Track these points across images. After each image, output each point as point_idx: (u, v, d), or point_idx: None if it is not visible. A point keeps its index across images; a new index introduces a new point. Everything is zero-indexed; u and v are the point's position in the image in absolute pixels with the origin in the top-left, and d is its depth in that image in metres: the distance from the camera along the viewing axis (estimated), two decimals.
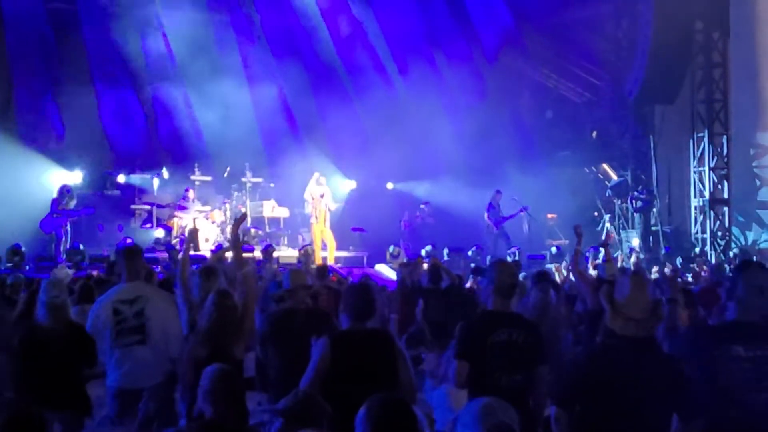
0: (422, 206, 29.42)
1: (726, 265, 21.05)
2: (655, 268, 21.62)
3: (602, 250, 13.67)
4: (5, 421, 5.34)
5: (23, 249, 21.88)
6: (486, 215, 26.36)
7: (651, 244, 27.11)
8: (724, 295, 6.42)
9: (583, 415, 5.67)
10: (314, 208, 24.74)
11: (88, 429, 8.81)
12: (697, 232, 27.89)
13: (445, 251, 25.31)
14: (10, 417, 5.39)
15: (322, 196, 24.77)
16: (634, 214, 28.13)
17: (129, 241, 23.55)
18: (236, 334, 7.85)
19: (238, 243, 9.43)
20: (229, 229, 25.62)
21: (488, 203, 26.42)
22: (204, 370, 6.35)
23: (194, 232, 9.79)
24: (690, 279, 19.57)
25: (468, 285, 16.48)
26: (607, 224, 29.14)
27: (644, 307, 5.73)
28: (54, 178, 25.49)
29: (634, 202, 27.54)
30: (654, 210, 28.16)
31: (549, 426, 6.07)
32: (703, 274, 20.37)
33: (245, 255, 9.71)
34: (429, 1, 29.86)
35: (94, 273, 19.19)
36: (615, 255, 26.52)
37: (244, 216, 9.87)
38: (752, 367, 5.74)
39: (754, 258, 23.83)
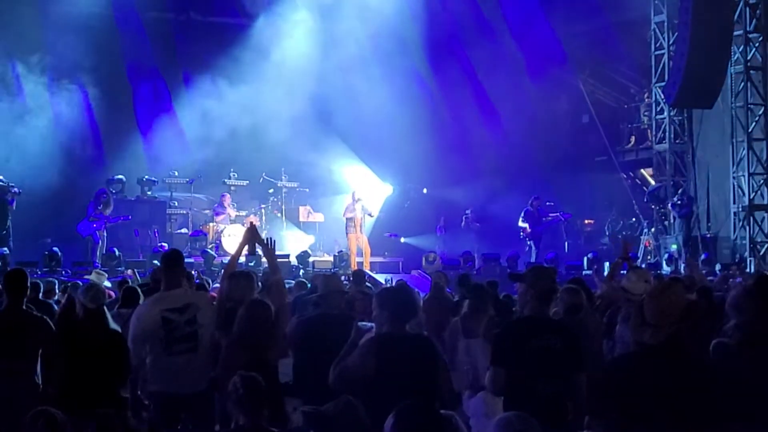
0: (467, 212, 29.40)
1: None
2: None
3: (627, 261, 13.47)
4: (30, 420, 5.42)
5: (59, 254, 21.95)
6: (520, 220, 26.22)
7: (690, 251, 26.83)
8: None
9: (619, 424, 5.58)
10: (350, 215, 24.78)
11: None
12: (736, 239, 27.61)
13: (480, 257, 25.28)
14: (34, 415, 5.46)
15: (358, 201, 24.80)
16: (673, 220, 27.84)
17: (165, 246, 23.63)
18: (270, 341, 7.83)
19: (269, 251, 9.35)
20: (264, 234, 25.67)
21: (525, 209, 26.27)
22: (232, 379, 6.35)
23: (253, 231, 9.62)
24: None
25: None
26: (645, 230, 28.91)
27: (674, 313, 5.63)
28: (90, 183, 25.63)
29: (676, 207, 27.23)
30: (694, 216, 27.89)
31: None
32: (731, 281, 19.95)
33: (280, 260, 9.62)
34: (466, 5, 29.78)
35: (129, 273, 19.30)
36: (653, 261, 26.37)
37: (253, 227, 9.70)
38: None
39: None
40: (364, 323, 7.44)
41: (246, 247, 9.40)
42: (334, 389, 6.80)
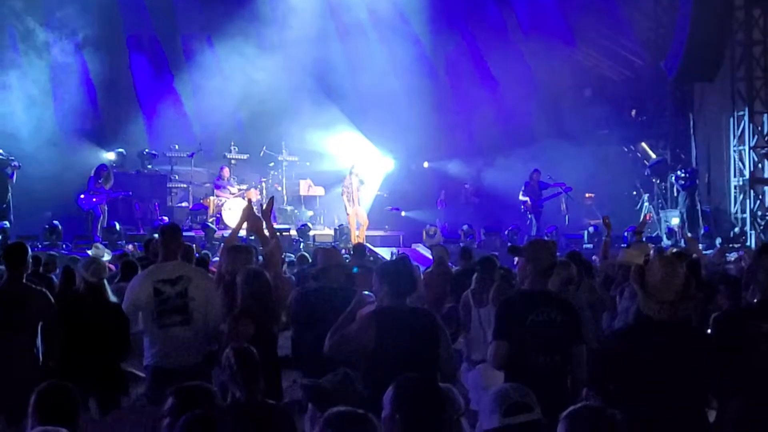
0: (466, 186, 29.45)
1: None
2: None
3: (637, 236, 13.57)
4: (38, 394, 5.39)
5: (60, 227, 21.97)
6: (521, 194, 26.21)
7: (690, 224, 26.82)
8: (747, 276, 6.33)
9: (618, 397, 5.59)
10: (348, 191, 24.76)
11: (124, 406, 8.83)
12: (736, 212, 27.58)
13: (482, 231, 25.28)
14: (42, 389, 5.43)
15: (354, 175, 24.79)
16: (675, 193, 27.79)
17: (165, 219, 23.65)
18: (272, 312, 7.85)
19: (265, 223, 9.39)
20: (265, 206, 25.63)
21: (525, 182, 26.27)
22: (225, 351, 6.36)
23: (251, 208, 9.69)
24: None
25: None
26: (646, 203, 28.89)
27: (676, 288, 5.61)
28: (91, 156, 25.64)
29: (680, 180, 27.14)
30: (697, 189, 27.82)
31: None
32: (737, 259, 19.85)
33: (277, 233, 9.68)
34: None
35: (130, 248, 19.33)
36: (654, 235, 26.38)
37: (272, 201, 9.82)
38: None
39: None
40: (368, 293, 7.44)
41: (246, 223, 9.46)
42: (329, 357, 6.84)
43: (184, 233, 11.66)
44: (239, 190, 25.94)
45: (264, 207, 9.37)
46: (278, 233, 9.33)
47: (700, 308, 9.37)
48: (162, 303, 8.52)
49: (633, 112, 32.10)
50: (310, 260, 14.20)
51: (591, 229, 26.12)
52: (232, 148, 27.17)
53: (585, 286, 10.66)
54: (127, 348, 8.79)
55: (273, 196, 10.37)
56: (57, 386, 5.54)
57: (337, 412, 4.23)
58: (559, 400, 6.40)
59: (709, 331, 7.01)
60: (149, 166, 26.68)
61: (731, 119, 27.91)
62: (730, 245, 23.04)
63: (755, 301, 6.03)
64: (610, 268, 11.35)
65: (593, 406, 4.51)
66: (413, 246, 24.92)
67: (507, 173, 28.35)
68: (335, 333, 6.92)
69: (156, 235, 11.62)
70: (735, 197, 27.75)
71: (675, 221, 26.82)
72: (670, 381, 5.50)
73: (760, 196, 27.39)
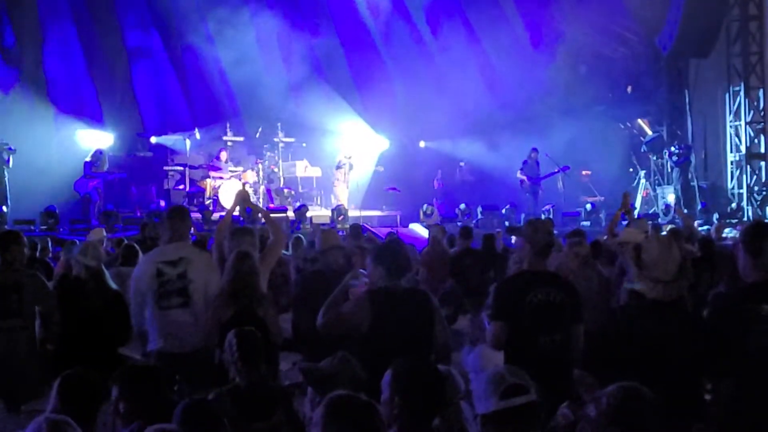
0: (461, 164, 29.42)
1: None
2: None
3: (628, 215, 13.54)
4: (63, 382, 5.33)
5: (57, 211, 21.94)
6: (518, 172, 26.22)
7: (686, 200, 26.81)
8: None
9: (612, 376, 5.58)
10: (344, 177, 25.05)
11: None
12: (733, 188, 27.59)
13: (479, 209, 25.27)
14: (65, 377, 5.38)
15: (349, 158, 25.14)
16: (670, 169, 27.78)
17: (162, 204, 23.66)
18: (256, 295, 7.82)
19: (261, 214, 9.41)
20: (261, 189, 25.72)
21: (523, 161, 26.28)
22: (227, 335, 6.36)
23: (244, 194, 9.68)
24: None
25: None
26: (643, 180, 28.89)
27: (672, 268, 5.60)
28: (87, 140, 25.58)
29: (673, 156, 27.15)
30: (691, 165, 27.82)
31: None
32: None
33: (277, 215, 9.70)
34: None
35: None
36: (651, 211, 26.38)
37: (244, 193, 9.82)
38: None
39: None
40: (363, 271, 7.44)
41: (237, 208, 9.44)
42: (321, 333, 6.86)
43: None
44: (232, 172, 25.90)
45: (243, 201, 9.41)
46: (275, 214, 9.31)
47: (704, 285, 9.36)
48: (163, 284, 8.41)
49: (628, 89, 32.04)
50: (305, 242, 14.25)
51: (588, 206, 26.12)
52: (228, 130, 27.15)
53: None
54: (127, 334, 8.76)
55: (241, 191, 10.34)
56: (80, 374, 5.49)
57: (339, 397, 4.19)
58: (559, 380, 6.41)
59: (706, 308, 6.98)
60: (146, 150, 26.66)
61: (727, 95, 27.90)
62: (727, 221, 23.02)
63: (753, 281, 5.96)
64: (614, 245, 11.29)
65: (629, 385, 4.49)
66: (410, 225, 24.92)
67: (502, 151, 28.37)
68: (329, 310, 6.93)
69: (154, 218, 11.61)
70: (731, 173, 27.77)
71: (671, 198, 26.82)
72: (663, 360, 5.48)
73: (757, 172, 27.40)
